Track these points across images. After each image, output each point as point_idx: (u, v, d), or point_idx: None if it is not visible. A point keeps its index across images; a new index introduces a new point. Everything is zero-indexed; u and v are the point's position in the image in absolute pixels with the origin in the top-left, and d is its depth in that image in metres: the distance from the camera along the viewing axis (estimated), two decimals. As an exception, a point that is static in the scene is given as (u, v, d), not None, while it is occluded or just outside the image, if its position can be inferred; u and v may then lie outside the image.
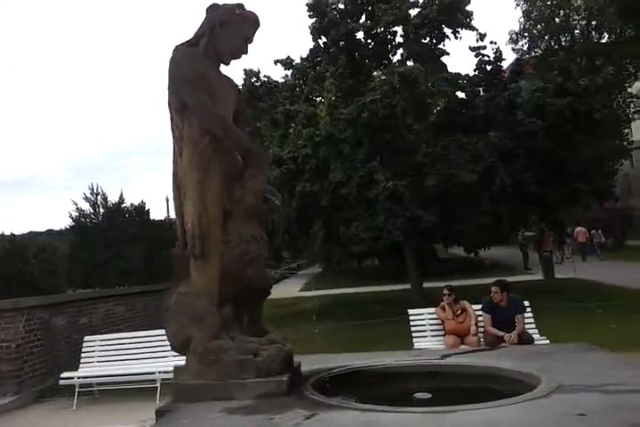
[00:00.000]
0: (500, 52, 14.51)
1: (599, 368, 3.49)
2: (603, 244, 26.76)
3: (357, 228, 11.83)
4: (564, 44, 38.15)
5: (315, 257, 17.34)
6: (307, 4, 15.26)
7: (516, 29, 36.65)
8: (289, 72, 16.69)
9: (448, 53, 16.08)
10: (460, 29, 15.59)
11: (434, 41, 15.85)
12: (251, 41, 3.51)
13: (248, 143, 3.45)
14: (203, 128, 3.24)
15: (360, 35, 15.70)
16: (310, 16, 15.35)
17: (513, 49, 37.70)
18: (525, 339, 7.59)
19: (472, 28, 15.58)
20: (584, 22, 36.96)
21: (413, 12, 15.13)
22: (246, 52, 3.53)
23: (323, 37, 15.71)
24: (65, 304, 9.30)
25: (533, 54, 35.37)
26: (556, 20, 37.61)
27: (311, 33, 15.49)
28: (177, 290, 3.33)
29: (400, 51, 16.25)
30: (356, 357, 4.22)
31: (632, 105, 31.07)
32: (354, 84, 14.51)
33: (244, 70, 16.49)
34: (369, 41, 15.87)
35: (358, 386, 3.42)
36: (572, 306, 12.58)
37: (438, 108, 15.07)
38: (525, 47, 36.98)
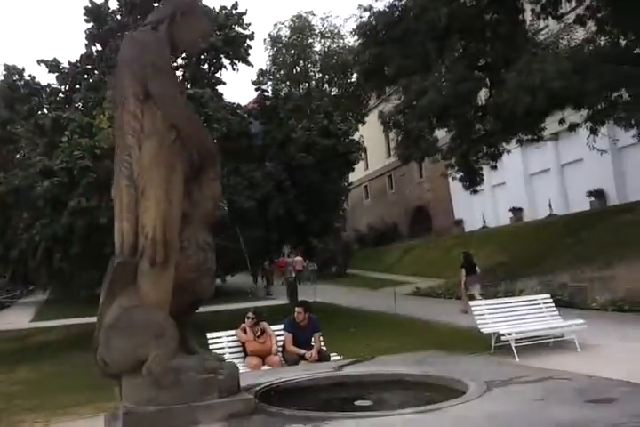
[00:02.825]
0: (279, 89, 15.52)
1: (481, 367, 4.08)
2: (315, 270, 29.92)
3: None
4: (301, 91, 42.03)
5: (57, 282, 15.56)
6: (85, 8, 14.15)
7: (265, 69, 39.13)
8: (54, 75, 15.08)
9: (224, 83, 16.54)
10: (237, 62, 16.21)
11: (212, 69, 16.14)
12: (204, 40, 3.30)
13: (211, 144, 3.20)
14: (169, 121, 2.91)
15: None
16: (87, 20, 14.28)
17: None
18: (323, 356, 8.14)
19: (249, 63, 16.37)
20: (319, 75, 41.44)
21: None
22: (199, 50, 3.31)
23: (98, 45, 14.69)
24: None
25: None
26: (297, 68, 41.37)
27: (86, 38, 14.36)
28: (116, 303, 2.87)
29: (178, 72, 16.10)
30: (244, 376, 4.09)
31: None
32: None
33: (6, 66, 14.41)
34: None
35: (293, 399, 3.37)
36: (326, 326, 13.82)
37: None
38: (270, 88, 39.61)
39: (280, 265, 28.92)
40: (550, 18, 18.94)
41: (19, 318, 20.76)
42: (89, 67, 15.09)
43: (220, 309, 16.30)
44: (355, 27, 18.30)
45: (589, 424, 2.41)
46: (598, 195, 24.01)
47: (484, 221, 29.97)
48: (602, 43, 17.11)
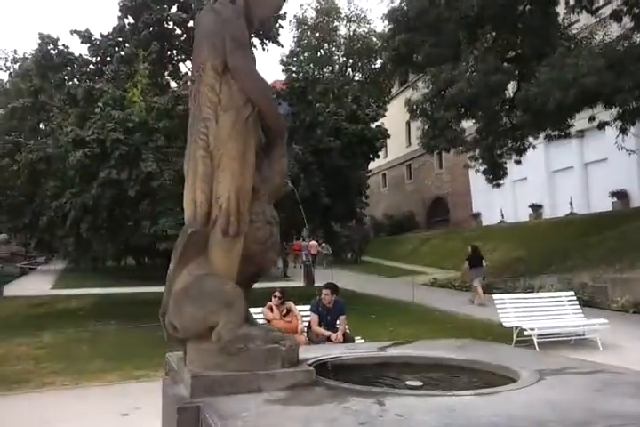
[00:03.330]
0: (310, 72, 15.44)
1: (526, 357, 4.11)
2: (329, 255, 30.02)
3: (165, 223, 11.26)
4: (325, 74, 41.79)
5: (80, 252, 15.78)
6: (118, -20, 14.14)
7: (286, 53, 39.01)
8: (86, 46, 15.09)
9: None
10: (267, 42, 16.13)
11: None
12: (276, 14, 3.30)
13: (283, 121, 3.22)
14: (246, 95, 2.93)
15: (171, 24, 15.12)
16: (120, -8, 14.26)
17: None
18: (348, 338, 8.22)
19: (279, 44, 16.29)
20: (344, 59, 41.18)
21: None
22: (271, 26, 3.31)
23: (130, 18, 14.67)
24: None
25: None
26: (321, 51, 41.09)
27: (120, 10, 14.34)
28: (186, 271, 2.92)
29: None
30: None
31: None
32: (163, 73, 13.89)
33: (40, 35, 14.41)
34: (178, 32, 15.37)
35: (342, 375, 3.40)
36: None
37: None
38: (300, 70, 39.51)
39: (295, 249, 29.06)
40: (585, 12, 18.65)
41: (40, 285, 21.10)
42: (120, 39, 15.09)
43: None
44: (385, 12, 18.14)
45: (653, 416, 2.42)
46: (621, 195, 23.78)
47: (502, 216, 29.83)
48: (638, 40, 16.83)
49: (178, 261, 2.95)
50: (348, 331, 8.47)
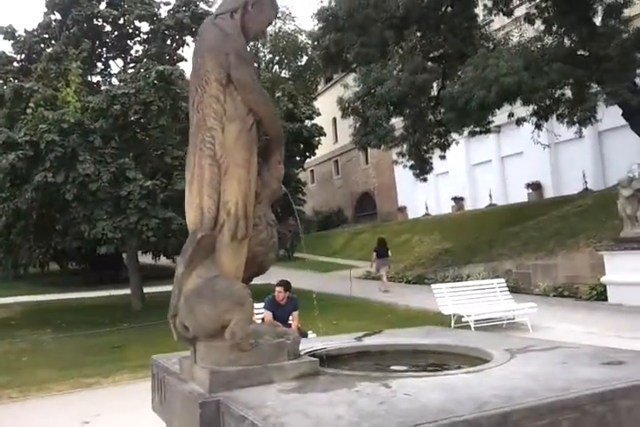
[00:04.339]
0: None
1: (490, 339, 4.54)
2: None
3: (105, 227, 11.06)
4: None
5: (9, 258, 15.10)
6: (46, -26, 13.61)
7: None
8: (9, 43, 14.42)
9: (186, 60, 16.33)
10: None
11: (174, 45, 15.91)
12: (269, 25, 3.50)
13: (281, 129, 3.42)
14: (248, 106, 3.12)
15: (101, 21, 14.71)
16: (47, -13, 13.73)
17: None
18: (301, 333, 8.46)
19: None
20: (270, 56, 41.21)
21: (163, 12, 14.98)
22: (264, 35, 3.50)
23: (57, 14, 14.16)
24: None
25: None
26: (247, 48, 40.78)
27: (46, 6, 13.81)
28: (195, 274, 3.08)
29: (138, 47, 15.81)
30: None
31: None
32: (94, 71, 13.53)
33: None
34: (109, 29, 14.98)
35: (332, 364, 3.66)
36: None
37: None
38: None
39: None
40: (502, 14, 19.79)
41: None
42: (46, 36, 14.52)
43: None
44: (315, 11, 18.47)
45: (614, 380, 2.86)
46: (535, 187, 25.41)
47: (427, 209, 31.05)
48: (549, 42, 18.09)
49: (187, 265, 3.11)
50: (300, 326, 8.75)
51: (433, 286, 11.62)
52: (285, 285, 8.74)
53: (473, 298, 11.27)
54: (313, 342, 4.40)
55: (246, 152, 3.10)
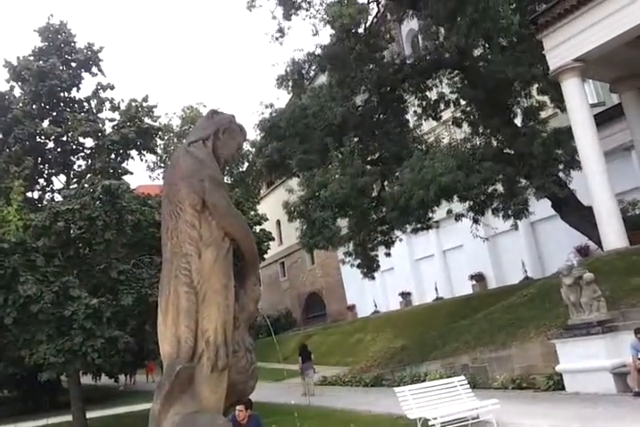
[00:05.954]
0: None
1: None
2: None
3: (47, 351, 10.35)
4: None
5: None
6: (-13, 96, 13.83)
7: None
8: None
9: (131, 173, 16.48)
10: (146, 153, 16.35)
11: (119, 159, 16.10)
12: (239, 151, 3.62)
13: (257, 252, 3.42)
14: (224, 230, 3.13)
15: (44, 139, 14.84)
16: (-10, 108, 13.88)
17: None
18: (265, 455, 7.97)
19: (156, 154, 16.57)
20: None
21: (107, 128, 15.30)
22: (236, 158, 3.61)
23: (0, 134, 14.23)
24: None
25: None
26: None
27: (-13, 127, 13.89)
28: (172, 411, 2.88)
29: (81, 162, 15.89)
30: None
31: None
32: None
33: None
34: (51, 146, 15.09)
35: None
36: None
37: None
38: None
39: (150, 368, 26.88)
40: (431, 119, 21.37)
41: None
42: (-14, 154, 14.44)
43: (122, 411, 15.15)
44: (257, 122, 19.38)
45: None
46: (479, 278, 26.01)
47: (376, 306, 30.97)
48: (478, 142, 19.49)
49: (164, 401, 2.92)
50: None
51: (396, 389, 11.28)
52: (247, 403, 8.27)
53: (436, 399, 10.97)
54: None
55: (224, 277, 3.06)
